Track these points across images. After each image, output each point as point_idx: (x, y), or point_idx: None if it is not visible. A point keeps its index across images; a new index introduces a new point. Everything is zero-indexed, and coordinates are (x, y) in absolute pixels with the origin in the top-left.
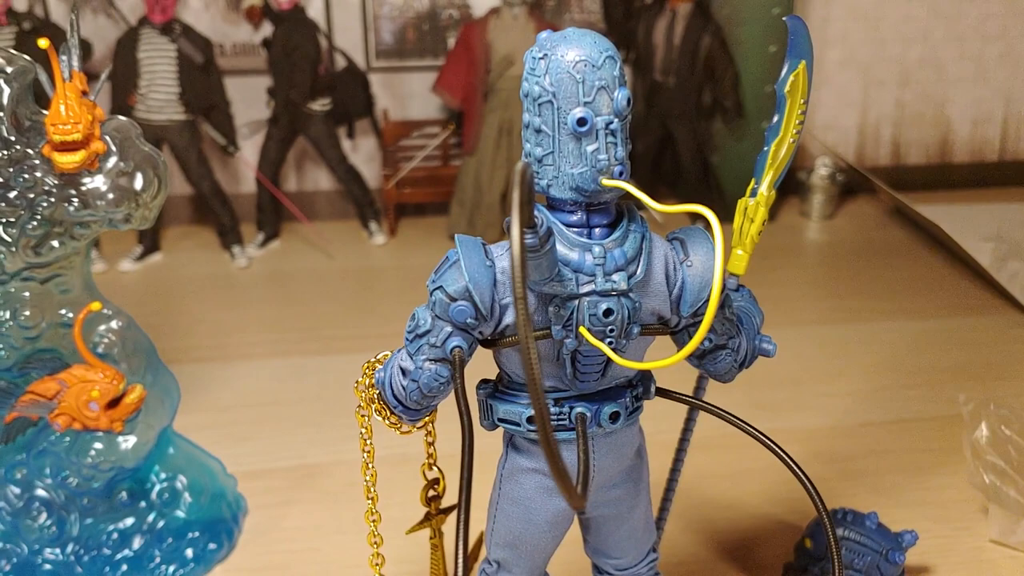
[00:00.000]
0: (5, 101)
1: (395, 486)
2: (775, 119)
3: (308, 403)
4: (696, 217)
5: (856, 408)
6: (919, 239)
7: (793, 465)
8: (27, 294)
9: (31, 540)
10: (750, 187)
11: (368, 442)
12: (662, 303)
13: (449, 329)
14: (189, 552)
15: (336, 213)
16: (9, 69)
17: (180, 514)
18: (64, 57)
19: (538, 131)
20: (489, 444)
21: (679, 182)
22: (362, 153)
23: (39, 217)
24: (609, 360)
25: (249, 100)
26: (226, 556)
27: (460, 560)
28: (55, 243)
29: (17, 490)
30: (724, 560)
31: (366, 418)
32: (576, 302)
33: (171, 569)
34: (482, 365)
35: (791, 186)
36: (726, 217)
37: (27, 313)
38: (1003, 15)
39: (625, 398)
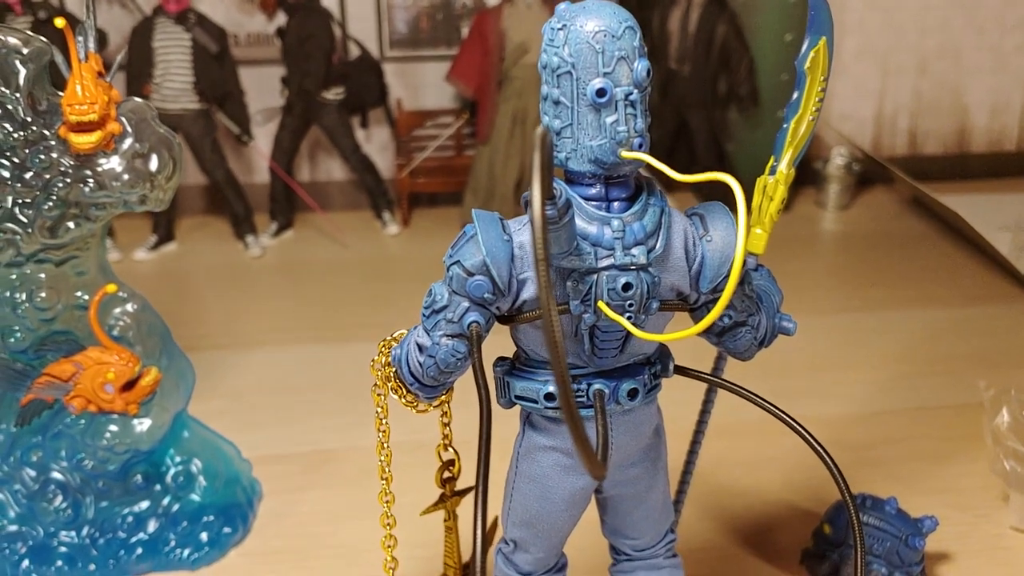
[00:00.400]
0: (21, 82)
1: (409, 472)
2: (795, 96)
3: (322, 390)
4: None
5: (874, 396)
6: (936, 229)
7: (812, 441)
8: (43, 276)
9: (47, 522)
10: (769, 165)
11: (384, 421)
12: (681, 278)
13: (466, 304)
14: (204, 536)
15: (349, 203)
16: (25, 50)
17: (195, 498)
18: (80, 38)
19: (556, 103)
20: (504, 428)
21: (694, 171)
22: (376, 143)
23: (55, 198)
24: (627, 336)
25: (263, 90)
26: (241, 540)
27: (479, 534)
28: (71, 224)
29: (33, 472)
30: (741, 546)
31: (382, 397)
32: (595, 276)
33: (186, 553)
34: (498, 343)
35: (807, 176)
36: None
37: (43, 295)
38: (1022, 3)
39: (643, 375)
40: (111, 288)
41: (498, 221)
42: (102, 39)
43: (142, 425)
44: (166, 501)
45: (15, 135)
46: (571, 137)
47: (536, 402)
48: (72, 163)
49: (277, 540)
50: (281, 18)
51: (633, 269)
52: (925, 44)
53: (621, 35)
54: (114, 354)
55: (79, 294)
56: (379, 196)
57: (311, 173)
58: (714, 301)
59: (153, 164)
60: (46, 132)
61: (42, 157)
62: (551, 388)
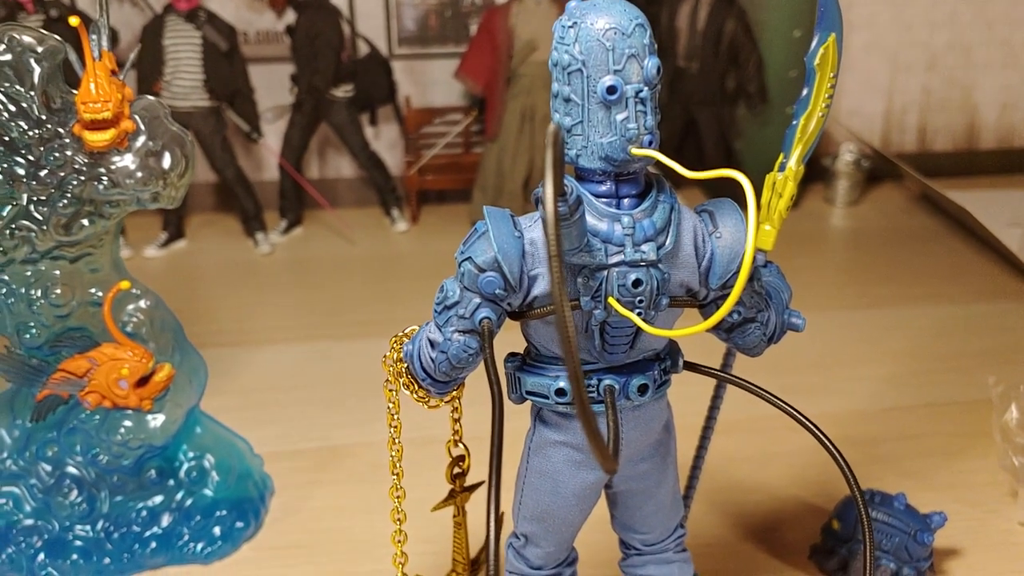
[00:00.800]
0: (36, 80)
1: (420, 467)
2: (804, 92)
3: (331, 386)
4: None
5: (883, 392)
6: (945, 225)
7: (822, 436)
8: (58, 272)
9: (62, 517)
10: (778, 161)
11: (395, 417)
12: (691, 275)
13: (478, 300)
14: (217, 530)
15: (358, 200)
16: (40, 49)
17: (208, 493)
18: (94, 37)
19: (567, 100)
20: (514, 424)
21: (702, 168)
22: (384, 140)
23: (69, 195)
24: (637, 332)
25: (273, 87)
26: (253, 534)
27: (492, 524)
28: (85, 222)
29: (48, 467)
30: (751, 542)
31: (394, 392)
32: (605, 272)
33: (199, 546)
34: (509, 339)
35: (816, 172)
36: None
37: (58, 291)
38: None
39: (653, 371)
40: (125, 285)
41: (509, 218)
42: (113, 37)
43: (156, 421)
44: (179, 496)
45: (30, 133)
46: (582, 134)
47: (547, 398)
48: (86, 161)
49: (288, 535)
50: (290, 16)
51: (643, 265)
52: (934, 40)
53: (631, 32)
54: (128, 350)
55: (93, 291)
56: (388, 193)
57: (320, 170)
58: (723, 297)
59: (166, 162)
60: (60, 130)
61: (57, 155)
62: (562, 384)
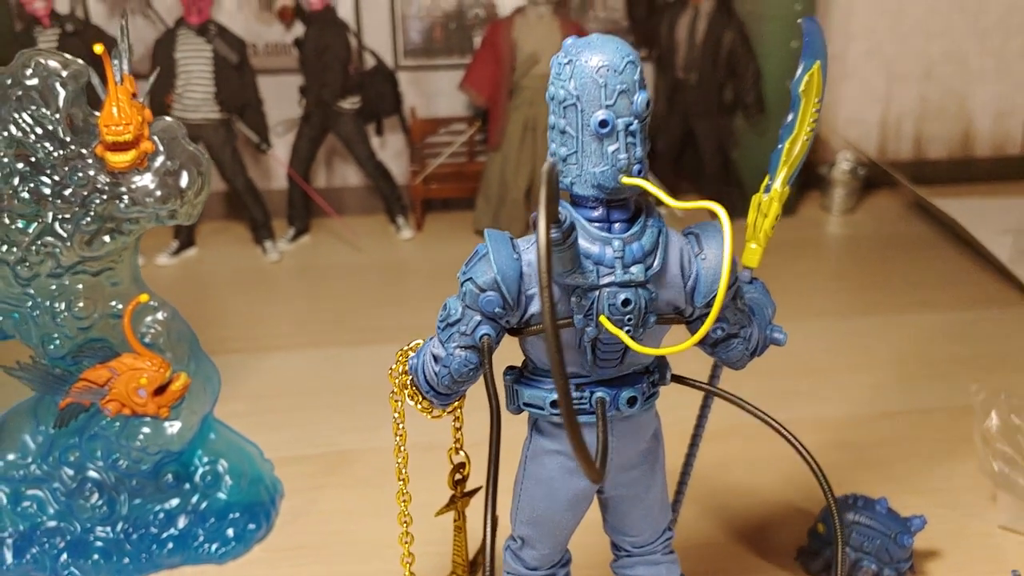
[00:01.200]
0: (61, 104)
1: (424, 473)
2: (789, 117)
3: (339, 392)
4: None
5: (873, 398)
6: (939, 233)
7: (796, 444)
8: (80, 286)
9: (84, 519)
10: (764, 183)
11: (401, 426)
12: (677, 294)
13: (478, 318)
14: (230, 532)
15: (365, 208)
16: (64, 73)
17: (221, 496)
18: (116, 61)
19: (563, 132)
20: (511, 434)
21: (701, 177)
22: (390, 150)
23: (92, 213)
24: (627, 348)
25: (281, 99)
26: (264, 536)
27: (489, 526)
28: (106, 238)
29: (71, 472)
30: (739, 544)
31: (399, 403)
32: (597, 292)
33: (213, 547)
34: (508, 353)
35: (812, 180)
36: (746, 211)
37: (81, 304)
38: None
39: (642, 384)
40: (143, 298)
41: (508, 241)
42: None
43: (173, 427)
44: (195, 499)
45: (55, 154)
46: (576, 164)
47: (542, 408)
48: (108, 180)
49: (298, 536)
50: (299, 29)
51: (632, 286)
52: (930, 50)
53: (623, 70)
54: (146, 360)
55: (114, 303)
56: (394, 201)
57: (327, 179)
58: (708, 315)
59: (183, 181)
60: (83, 151)
61: (80, 175)
62: (556, 396)
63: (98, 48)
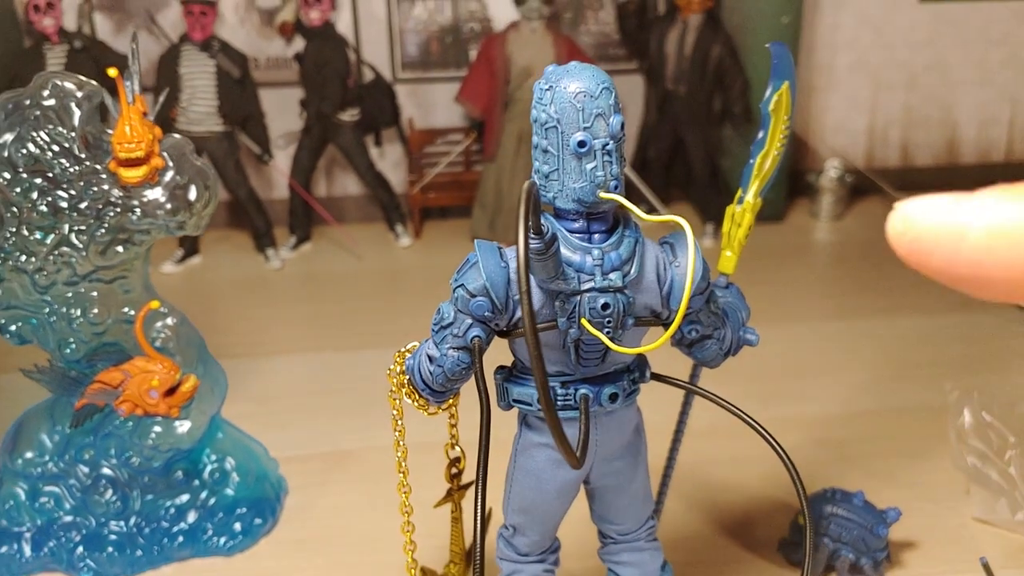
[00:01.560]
0: (76, 123)
1: (421, 470)
2: (760, 135)
3: (340, 394)
4: (705, 220)
5: (854, 398)
6: None
7: (769, 438)
8: (95, 294)
9: (98, 513)
10: (737, 195)
11: (399, 422)
12: (653, 298)
13: (469, 321)
14: (237, 526)
15: (364, 217)
16: (79, 94)
17: (229, 492)
18: (128, 82)
19: (545, 151)
20: (504, 430)
21: (691, 185)
22: (389, 160)
23: (106, 225)
24: (607, 348)
25: (283, 111)
26: (270, 530)
27: (478, 512)
28: (119, 248)
29: (86, 469)
30: (724, 536)
31: (397, 401)
32: (578, 297)
33: (222, 541)
34: (498, 355)
35: (801, 188)
36: None
37: (95, 311)
38: (1007, 20)
39: (623, 381)
40: (154, 304)
41: (496, 250)
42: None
43: (183, 427)
44: (204, 495)
45: (71, 170)
46: (557, 180)
47: (530, 404)
48: (121, 194)
49: (302, 530)
50: (299, 43)
51: (611, 291)
52: (915, 60)
53: (599, 95)
54: (157, 363)
55: (126, 310)
56: (392, 210)
57: (328, 189)
58: (684, 318)
59: (192, 194)
60: (98, 167)
61: (95, 189)
62: None
63: (112, 72)
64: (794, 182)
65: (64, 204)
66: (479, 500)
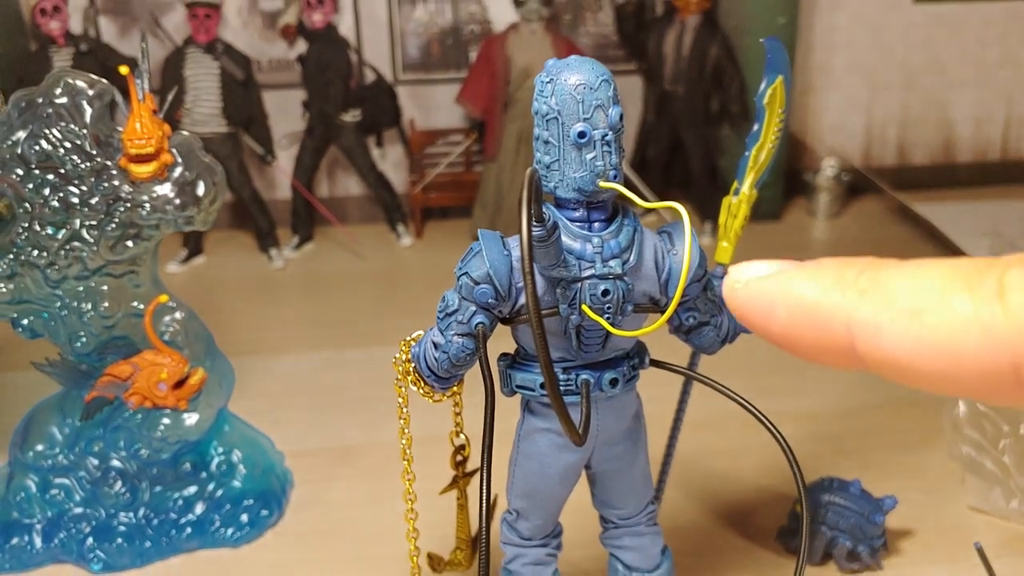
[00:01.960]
0: (88, 120)
1: (425, 462)
2: (755, 128)
3: (344, 391)
4: (704, 218)
5: (851, 392)
6: (922, 236)
7: (768, 424)
8: (105, 288)
9: (108, 505)
10: (733, 187)
11: (404, 410)
12: (652, 286)
13: (473, 308)
14: (244, 517)
15: (366, 217)
16: (91, 92)
17: (236, 484)
18: (138, 81)
19: (546, 142)
20: (507, 417)
21: (689, 184)
22: (390, 160)
23: (117, 220)
24: (608, 334)
25: (285, 112)
26: (276, 522)
27: (484, 494)
28: (129, 243)
29: (95, 461)
30: (723, 526)
31: (403, 389)
32: (579, 284)
33: (229, 532)
34: (502, 342)
35: (798, 186)
36: None
37: (106, 304)
38: (1003, 20)
39: (623, 367)
40: (163, 298)
41: (499, 239)
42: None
43: (191, 419)
44: (211, 487)
45: (82, 166)
46: (558, 170)
47: (533, 390)
48: (131, 190)
49: (308, 522)
50: (301, 45)
51: (611, 278)
52: (911, 59)
53: (598, 87)
54: (166, 356)
55: (135, 304)
56: (394, 210)
57: (330, 189)
58: (682, 305)
59: (200, 190)
60: (108, 163)
61: (105, 185)
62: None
63: (123, 69)
64: (791, 181)
65: (75, 200)
66: (484, 484)
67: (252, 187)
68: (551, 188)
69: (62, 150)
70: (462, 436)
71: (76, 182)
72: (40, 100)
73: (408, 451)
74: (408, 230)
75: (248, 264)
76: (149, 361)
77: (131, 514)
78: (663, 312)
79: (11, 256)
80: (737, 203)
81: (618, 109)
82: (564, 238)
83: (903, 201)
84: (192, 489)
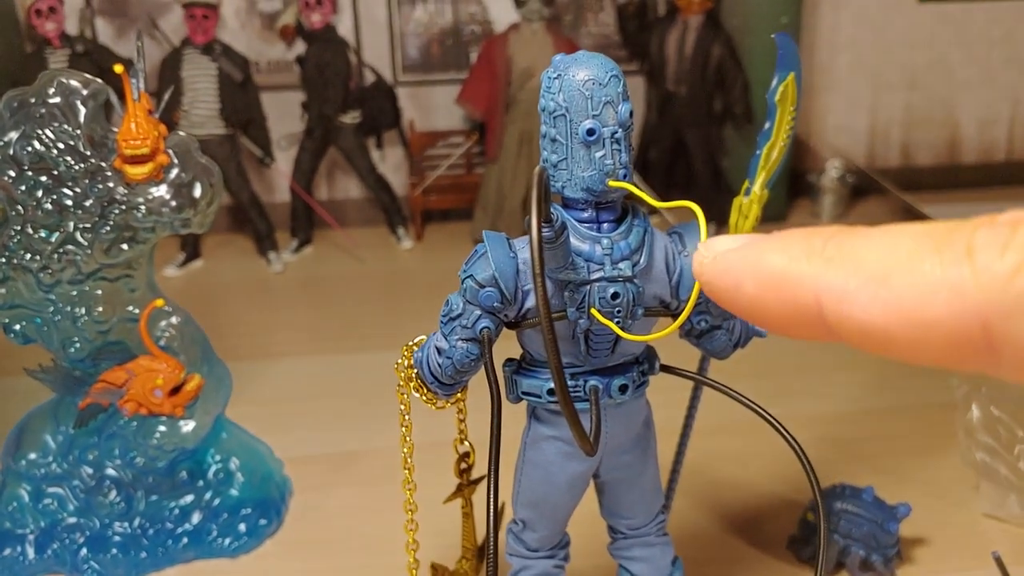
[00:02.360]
0: (82, 120)
1: (427, 469)
2: (767, 125)
3: (343, 397)
4: (707, 220)
5: (860, 396)
6: None
7: (782, 430)
8: (100, 292)
9: (102, 515)
10: (744, 187)
11: (406, 417)
12: (663, 288)
13: (478, 312)
14: (242, 527)
15: (366, 220)
16: (85, 91)
17: (234, 493)
18: (133, 81)
19: (553, 140)
20: (509, 429)
21: (692, 185)
22: (390, 162)
23: (111, 223)
24: (617, 339)
25: (284, 114)
26: (275, 531)
27: (492, 505)
28: (124, 246)
29: (90, 470)
30: (732, 534)
31: (405, 395)
32: (588, 287)
33: (227, 542)
34: (506, 347)
35: (803, 188)
36: None
37: (100, 309)
38: (1008, 19)
39: (632, 372)
40: (159, 303)
41: (505, 240)
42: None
43: (187, 426)
44: (208, 495)
45: (76, 167)
46: (566, 169)
47: (540, 397)
48: (126, 192)
49: (308, 531)
50: (300, 46)
51: (620, 281)
52: (915, 59)
53: (607, 83)
54: (162, 362)
55: (131, 308)
56: (394, 213)
57: (329, 192)
58: (693, 308)
59: (197, 191)
60: (103, 164)
61: (100, 187)
62: (552, 384)
63: (118, 68)
64: (795, 182)
65: (69, 202)
66: (491, 494)
67: (250, 190)
68: (559, 188)
69: (55, 151)
70: (466, 443)
71: (70, 184)
72: (33, 100)
73: (410, 460)
74: (408, 233)
75: (246, 268)
76: (145, 367)
77: (126, 524)
78: (674, 315)
79: (3, 260)
80: (748, 203)
81: (628, 105)
82: (572, 239)
83: (908, 202)
84: (189, 498)
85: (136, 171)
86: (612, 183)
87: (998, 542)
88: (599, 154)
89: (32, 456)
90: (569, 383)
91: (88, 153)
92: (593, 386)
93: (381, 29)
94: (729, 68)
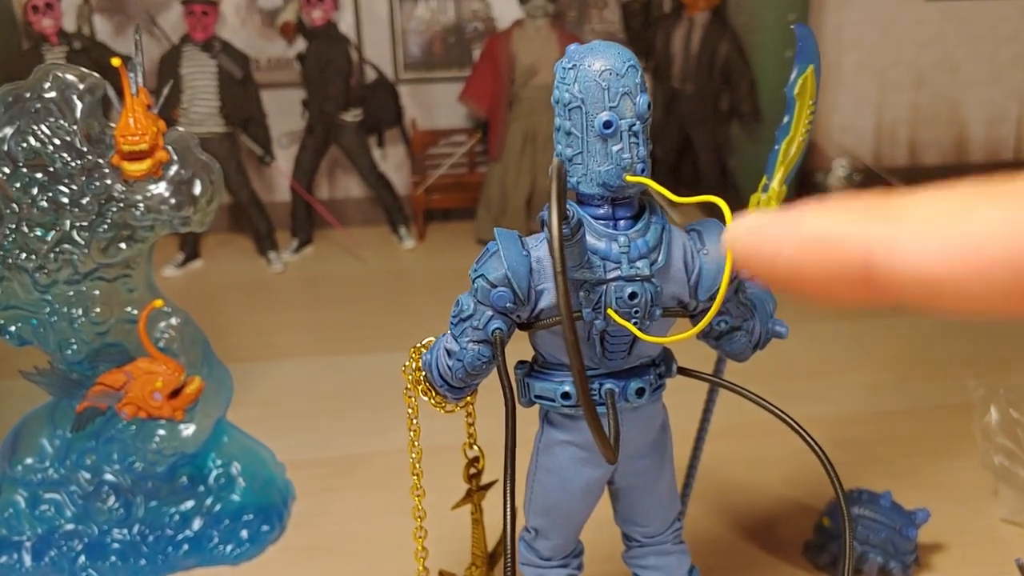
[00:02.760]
0: (78, 116)
1: (435, 473)
2: (785, 120)
3: (345, 398)
4: (710, 210)
5: (874, 398)
6: None
7: (804, 434)
8: (97, 292)
9: (101, 521)
10: (762, 183)
11: (415, 421)
12: (681, 288)
13: (490, 313)
14: (244, 533)
15: (367, 219)
16: (81, 86)
17: (235, 498)
18: (132, 75)
19: (568, 134)
20: (524, 428)
21: (699, 184)
22: (392, 161)
23: (109, 221)
24: (634, 340)
25: (284, 112)
26: (278, 537)
27: (508, 513)
28: (122, 245)
29: (88, 475)
30: (746, 540)
31: (413, 399)
32: (604, 287)
33: (228, 548)
34: (518, 350)
35: (809, 187)
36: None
37: (97, 310)
38: (1016, 17)
39: (649, 375)
40: (158, 303)
41: (517, 238)
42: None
43: (187, 430)
44: (209, 501)
45: (73, 164)
46: (582, 164)
47: (553, 400)
48: (124, 189)
49: (310, 537)
50: (301, 43)
51: (638, 280)
52: (921, 58)
53: (624, 73)
54: (161, 364)
55: (129, 309)
56: (395, 212)
57: (330, 191)
58: (711, 308)
59: (196, 189)
60: (100, 160)
61: (97, 184)
62: (567, 388)
63: (115, 61)
64: (802, 181)
65: (65, 200)
66: (507, 499)
67: (250, 188)
68: (574, 183)
69: (51, 147)
70: (476, 448)
71: (66, 181)
72: (28, 95)
73: (418, 465)
74: (410, 232)
75: (246, 268)
76: (143, 369)
77: (125, 530)
78: (692, 316)
79: None
80: (767, 200)
81: (646, 97)
82: (588, 237)
83: None
84: (189, 504)
85: (134, 168)
86: (629, 178)
87: (1019, 548)
88: (616, 148)
89: (28, 461)
90: None
91: (85, 149)
92: (609, 389)
93: (383, 26)
94: (736, 66)
